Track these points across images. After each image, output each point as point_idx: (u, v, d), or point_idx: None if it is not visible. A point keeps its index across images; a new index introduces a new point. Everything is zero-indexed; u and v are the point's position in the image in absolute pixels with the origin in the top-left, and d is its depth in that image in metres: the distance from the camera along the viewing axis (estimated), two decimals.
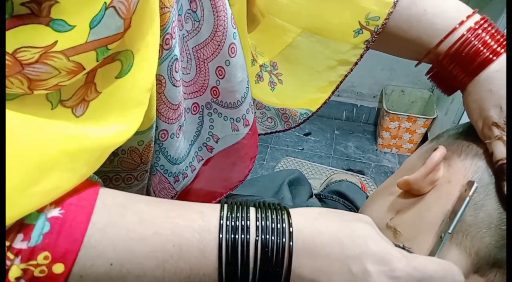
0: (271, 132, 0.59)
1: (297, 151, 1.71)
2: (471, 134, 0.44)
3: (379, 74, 1.69)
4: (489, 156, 0.41)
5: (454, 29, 0.41)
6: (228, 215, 0.30)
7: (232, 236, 0.29)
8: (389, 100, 1.73)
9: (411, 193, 0.43)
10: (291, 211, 0.32)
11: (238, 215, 0.30)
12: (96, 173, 0.30)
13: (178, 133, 0.42)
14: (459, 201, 0.39)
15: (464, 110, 0.45)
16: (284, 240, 0.29)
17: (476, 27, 0.41)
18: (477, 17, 0.42)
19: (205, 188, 0.52)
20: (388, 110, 1.58)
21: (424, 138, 1.66)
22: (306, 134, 1.79)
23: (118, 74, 0.29)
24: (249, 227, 0.29)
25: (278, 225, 0.30)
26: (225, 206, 0.31)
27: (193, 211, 0.30)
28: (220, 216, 0.30)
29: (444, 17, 0.42)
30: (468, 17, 0.41)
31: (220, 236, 0.28)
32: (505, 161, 0.38)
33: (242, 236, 0.29)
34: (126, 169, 0.40)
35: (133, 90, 0.30)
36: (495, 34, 0.40)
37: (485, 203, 0.39)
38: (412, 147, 1.68)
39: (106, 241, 0.27)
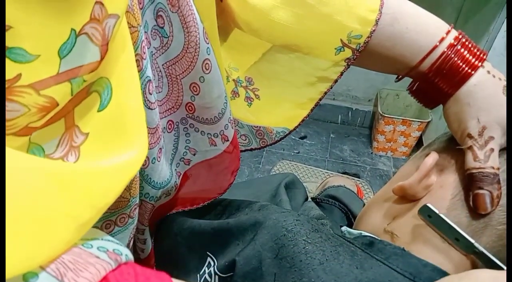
0: (245, 150, 0.57)
1: (292, 154, 1.71)
2: None
3: (374, 78, 1.70)
4: None
5: (435, 47, 0.42)
6: None
7: None
8: (384, 104, 1.73)
9: (407, 198, 0.44)
10: None
11: None
12: None
13: (159, 157, 0.40)
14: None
15: None
16: None
17: (455, 43, 0.42)
18: (454, 32, 0.43)
19: (183, 196, 0.50)
20: (383, 114, 1.59)
21: (419, 141, 1.67)
22: (302, 138, 1.80)
23: (99, 107, 0.26)
24: None
25: None
26: None
27: None
28: None
29: (426, 34, 0.42)
30: (447, 33, 0.42)
31: None
32: (473, 171, 0.40)
33: None
34: (116, 208, 0.37)
35: (124, 115, 0.27)
36: (472, 48, 0.42)
37: None
38: (407, 150, 1.69)
39: None
